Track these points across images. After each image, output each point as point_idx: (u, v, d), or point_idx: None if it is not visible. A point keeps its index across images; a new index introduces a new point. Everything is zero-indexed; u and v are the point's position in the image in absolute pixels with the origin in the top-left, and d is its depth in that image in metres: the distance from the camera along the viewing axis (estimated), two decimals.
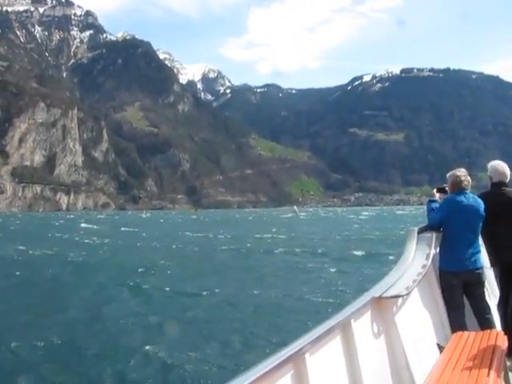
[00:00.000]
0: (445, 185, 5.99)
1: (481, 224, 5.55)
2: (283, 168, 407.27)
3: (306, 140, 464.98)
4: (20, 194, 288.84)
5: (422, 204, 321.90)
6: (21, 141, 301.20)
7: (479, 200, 5.59)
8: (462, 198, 5.53)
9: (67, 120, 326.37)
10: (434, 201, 6.01)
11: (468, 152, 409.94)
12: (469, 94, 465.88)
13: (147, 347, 9.91)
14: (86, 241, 40.37)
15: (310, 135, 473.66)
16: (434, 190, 6.22)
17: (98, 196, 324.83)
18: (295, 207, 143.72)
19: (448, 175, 5.79)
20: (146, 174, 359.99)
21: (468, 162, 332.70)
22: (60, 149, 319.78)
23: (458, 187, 5.61)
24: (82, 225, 73.86)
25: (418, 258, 5.21)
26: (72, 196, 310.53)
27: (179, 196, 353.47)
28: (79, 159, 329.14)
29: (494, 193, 5.81)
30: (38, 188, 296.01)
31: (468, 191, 5.63)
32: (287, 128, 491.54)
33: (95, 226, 70.76)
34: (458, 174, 5.66)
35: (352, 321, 3.69)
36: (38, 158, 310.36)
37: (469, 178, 5.68)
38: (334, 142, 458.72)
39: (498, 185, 5.82)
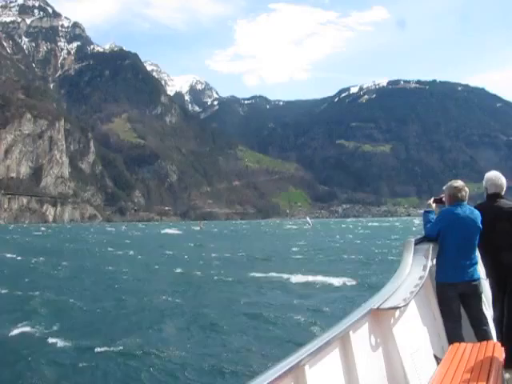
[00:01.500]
0: (442, 195, 5.94)
1: (478, 236, 5.52)
2: (271, 180, 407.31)
3: (293, 151, 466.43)
4: (6, 206, 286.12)
5: (409, 215, 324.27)
6: (7, 152, 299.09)
7: (476, 212, 5.55)
8: (458, 210, 5.51)
9: (54, 131, 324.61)
10: (430, 211, 5.96)
11: (454, 163, 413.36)
12: (455, 106, 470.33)
13: None
14: None
15: (297, 147, 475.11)
16: (431, 201, 6.10)
17: (85, 208, 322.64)
18: (308, 218, 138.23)
19: (445, 187, 5.75)
20: (134, 185, 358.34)
21: (455, 173, 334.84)
22: (47, 160, 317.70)
23: (455, 199, 5.59)
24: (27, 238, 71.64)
25: (415, 270, 5.20)
26: (59, 208, 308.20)
27: (167, 208, 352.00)
28: (66, 171, 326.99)
29: (490, 204, 5.77)
30: (25, 200, 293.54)
31: (465, 203, 5.60)
32: (274, 140, 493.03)
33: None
34: (456, 185, 5.62)
35: (350, 332, 3.71)
36: (25, 170, 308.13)
37: (466, 189, 5.64)
38: (321, 154, 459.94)
39: (493, 196, 5.79)
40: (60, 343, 11.64)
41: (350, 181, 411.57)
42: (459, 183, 5.65)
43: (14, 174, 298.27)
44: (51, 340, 11.91)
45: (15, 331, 12.88)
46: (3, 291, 19.90)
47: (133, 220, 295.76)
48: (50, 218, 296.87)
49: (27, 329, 13.15)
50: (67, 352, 11.10)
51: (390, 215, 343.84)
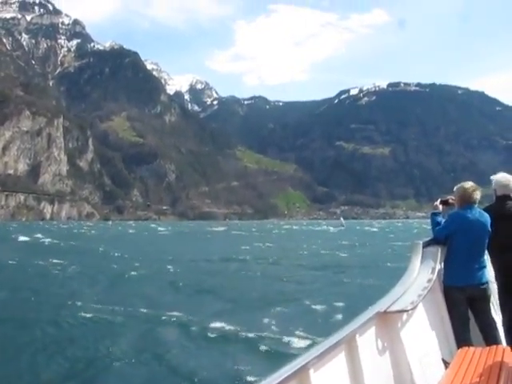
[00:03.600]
0: (449, 197, 5.89)
1: (487, 239, 5.44)
2: (269, 180, 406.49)
3: (292, 152, 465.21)
4: (3, 203, 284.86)
5: (407, 218, 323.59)
6: (5, 149, 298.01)
7: (486, 215, 5.46)
8: (468, 214, 5.42)
9: (52, 129, 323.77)
10: (437, 213, 5.88)
11: (453, 167, 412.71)
12: (454, 109, 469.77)
13: None
14: None
15: (296, 148, 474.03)
16: (438, 202, 6.00)
17: (83, 206, 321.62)
18: (342, 219, 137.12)
19: (456, 188, 5.67)
20: (132, 184, 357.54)
21: (453, 176, 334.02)
22: (45, 157, 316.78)
23: (466, 201, 5.51)
24: None
25: (423, 273, 5.15)
26: (56, 205, 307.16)
27: (165, 207, 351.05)
28: (64, 168, 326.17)
29: (499, 206, 5.67)
30: (22, 197, 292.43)
31: (476, 206, 5.52)
32: (274, 140, 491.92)
33: None
34: (467, 186, 5.53)
35: (357, 336, 3.65)
36: (22, 167, 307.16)
37: (478, 192, 5.55)
38: (320, 155, 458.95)
39: (503, 198, 5.71)
40: None
41: (348, 182, 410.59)
42: (470, 185, 5.56)
43: (11, 171, 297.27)
44: None
45: None
46: None
47: (130, 219, 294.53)
48: (48, 216, 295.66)
49: None
50: None
51: (388, 217, 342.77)
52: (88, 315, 14.04)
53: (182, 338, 11.88)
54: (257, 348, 10.58)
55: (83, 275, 23.55)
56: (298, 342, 10.63)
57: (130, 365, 9.86)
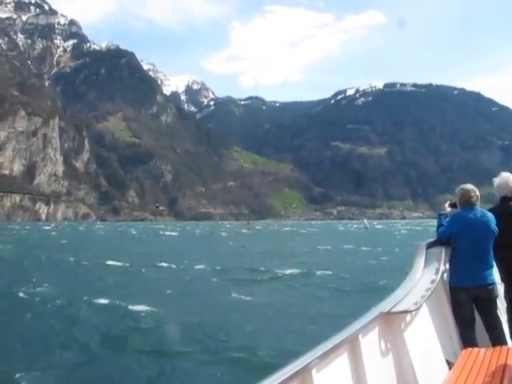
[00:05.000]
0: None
1: (492, 239, 5.45)
2: (266, 180, 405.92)
3: (288, 153, 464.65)
4: None
5: (404, 218, 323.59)
6: (0, 149, 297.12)
7: (489, 215, 5.49)
8: (469, 214, 5.47)
9: (48, 129, 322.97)
10: (444, 215, 5.93)
11: (450, 167, 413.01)
12: (450, 110, 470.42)
13: None
14: None
15: (292, 148, 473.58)
16: (446, 204, 6.08)
17: (79, 206, 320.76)
18: (365, 220, 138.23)
19: (456, 190, 5.71)
20: (128, 184, 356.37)
21: (449, 176, 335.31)
22: (40, 158, 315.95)
23: (466, 202, 5.55)
24: None
25: (426, 273, 5.14)
26: (52, 206, 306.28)
27: (161, 207, 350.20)
28: (60, 169, 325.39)
29: (501, 207, 5.75)
30: (17, 197, 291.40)
31: (477, 206, 5.55)
32: (270, 141, 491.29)
33: None
34: (467, 188, 5.59)
35: (360, 336, 3.64)
36: (18, 167, 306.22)
37: (478, 193, 5.59)
38: (316, 156, 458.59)
39: (503, 199, 5.79)
40: None
41: (345, 183, 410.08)
42: (469, 186, 5.62)
43: (6, 172, 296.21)
44: None
45: None
46: None
47: (126, 219, 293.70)
48: (43, 217, 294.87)
49: None
50: None
51: (385, 218, 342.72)
52: None
53: None
54: None
55: None
56: None
57: None
